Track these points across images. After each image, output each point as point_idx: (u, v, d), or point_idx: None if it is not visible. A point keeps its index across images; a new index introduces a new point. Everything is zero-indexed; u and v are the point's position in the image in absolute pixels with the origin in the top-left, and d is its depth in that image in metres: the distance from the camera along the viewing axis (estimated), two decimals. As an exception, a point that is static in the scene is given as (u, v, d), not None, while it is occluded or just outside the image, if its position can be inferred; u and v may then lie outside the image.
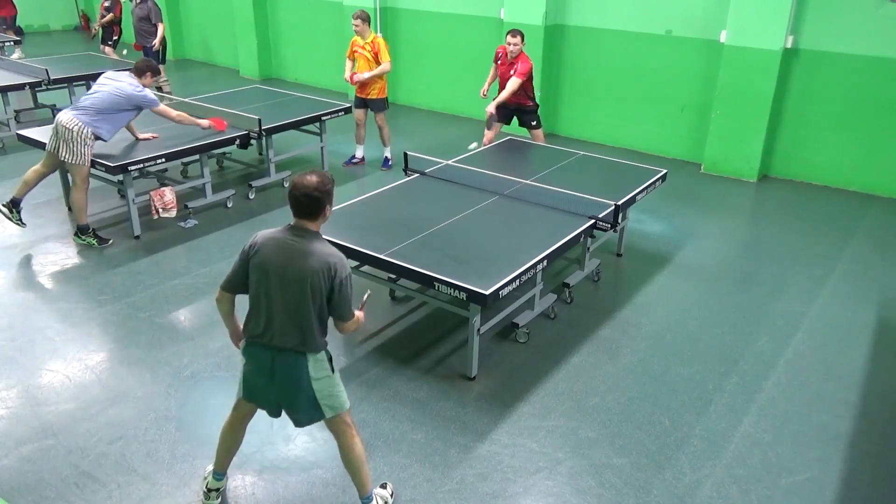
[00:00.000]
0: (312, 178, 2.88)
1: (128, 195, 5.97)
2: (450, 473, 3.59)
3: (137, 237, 6.09)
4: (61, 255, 5.80)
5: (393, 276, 4.74)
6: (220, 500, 3.36)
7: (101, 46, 11.24)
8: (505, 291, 3.88)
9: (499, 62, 6.81)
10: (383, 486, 3.43)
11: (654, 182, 5.65)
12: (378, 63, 7.46)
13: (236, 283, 3.04)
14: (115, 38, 11.27)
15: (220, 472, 3.34)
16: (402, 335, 4.82)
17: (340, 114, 7.65)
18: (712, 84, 7.96)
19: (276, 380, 2.99)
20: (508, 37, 6.53)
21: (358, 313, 3.11)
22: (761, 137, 7.71)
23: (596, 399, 4.19)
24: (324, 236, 3.00)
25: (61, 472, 3.53)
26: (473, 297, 3.78)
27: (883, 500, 3.54)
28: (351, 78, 7.63)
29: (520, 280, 4.02)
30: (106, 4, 10.97)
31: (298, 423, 3.14)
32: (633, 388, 4.29)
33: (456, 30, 9.97)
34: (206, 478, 3.38)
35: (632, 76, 8.68)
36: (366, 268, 4.62)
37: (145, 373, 4.33)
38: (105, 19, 11.02)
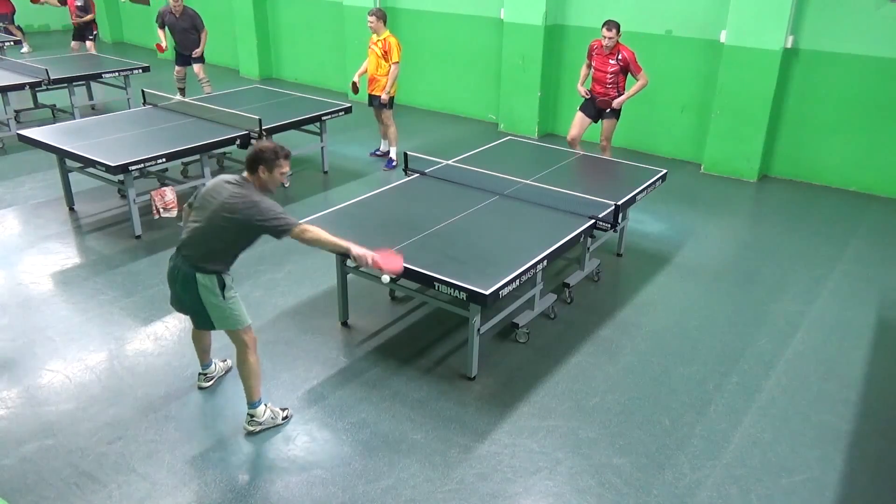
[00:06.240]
0: (264, 144, 3.57)
1: (128, 195, 5.97)
2: (450, 473, 3.59)
3: (138, 237, 6.09)
4: (61, 255, 5.80)
5: (393, 276, 4.73)
6: (210, 382, 4.17)
7: (75, 43, 11.24)
8: (505, 291, 3.88)
9: (594, 54, 6.83)
10: (284, 409, 3.91)
11: (654, 182, 5.65)
12: (387, 61, 7.57)
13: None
14: (95, 32, 11.38)
15: (204, 363, 4.14)
16: (402, 335, 4.82)
17: (340, 114, 7.65)
18: (712, 84, 7.96)
19: (178, 283, 3.60)
20: (604, 30, 6.54)
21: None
22: (761, 137, 7.71)
23: (596, 399, 4.19)
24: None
25: (61, 472, 3.53)
26: (473, 297, 3.78)
27: (883, 500, 3.54)
28: (353, 85, 7.87)
29: (520, 280, 4.02)
30: (79, 4, 10.96)
31: (197, 325, 3.80)
32: (633, 388, 4.29)
33: (456, 30, 9.96)
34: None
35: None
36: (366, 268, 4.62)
37: (145, 372, 4.33)
38: (84, 19, 11.06)
